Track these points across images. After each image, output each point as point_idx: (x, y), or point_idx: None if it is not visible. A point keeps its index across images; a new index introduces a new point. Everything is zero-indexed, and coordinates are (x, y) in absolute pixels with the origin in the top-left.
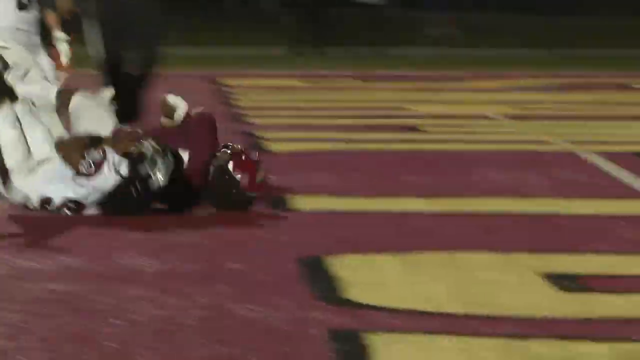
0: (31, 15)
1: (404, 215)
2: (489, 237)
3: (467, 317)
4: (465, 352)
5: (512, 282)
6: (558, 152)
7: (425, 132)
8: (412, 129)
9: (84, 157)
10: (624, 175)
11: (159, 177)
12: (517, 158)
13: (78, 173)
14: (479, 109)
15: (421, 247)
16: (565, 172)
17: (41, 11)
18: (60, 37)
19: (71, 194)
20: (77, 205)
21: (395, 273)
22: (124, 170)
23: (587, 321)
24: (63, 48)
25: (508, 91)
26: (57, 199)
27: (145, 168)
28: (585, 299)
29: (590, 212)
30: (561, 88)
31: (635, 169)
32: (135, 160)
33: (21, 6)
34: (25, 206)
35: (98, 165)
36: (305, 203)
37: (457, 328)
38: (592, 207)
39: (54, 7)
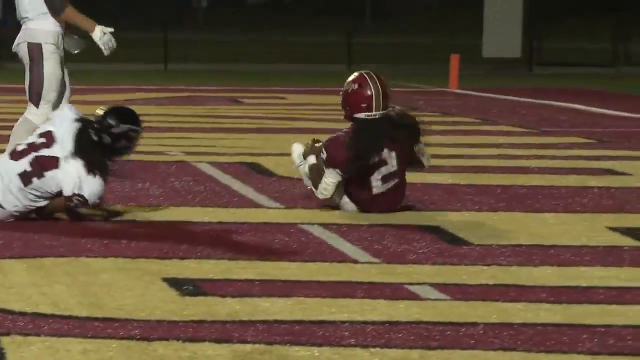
0: None
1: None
2: (111, 244)
3: (91, 319)
4: (91, 353)
5: (135, 286)
6: (173, 162)
7: None
8: None
9: None
10: (237, 184)
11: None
12: (134, 168)
13: None
14: None
15: (46, 253)
16: (181, 182)
17: None
18: None
19: None
20: None
21: (22, 277)
22: None
23: (207, 323)
24: None
25: (123, 104)
26: None
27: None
28: (203, 302)
29: (205, 220)
30: (173, 101)
31: (245, 178)
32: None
33: None
34: None
35: None
36: None
37: (82, 330)
38: (208, 215)
39: None
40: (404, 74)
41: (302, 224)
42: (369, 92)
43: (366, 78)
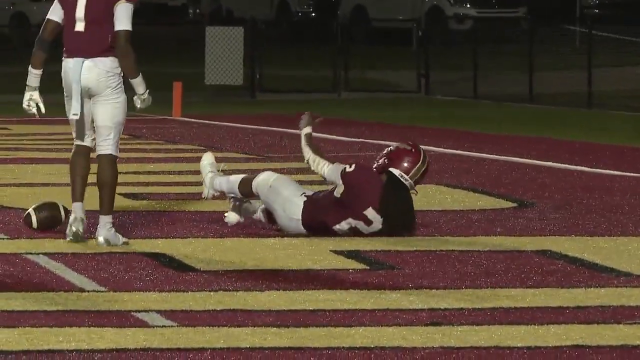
0: None
1: None
2: None
3: None
4: None
5: None
6: None
7: None
8: None
9: None
10: None
11: None
12: None
13: None
14: None
15: None
16: None
17: None
18: None
19: None
20: None
21: None
22: None
23: None
24: None
25: None
26: None
27: None
28: None
29: None
30: None
31: None
32: None
33: None
34: None
35: None
36: None
37: None
38: None
39: None
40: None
41: (27, 254)
42: (419, 158)
43: (421, 150)
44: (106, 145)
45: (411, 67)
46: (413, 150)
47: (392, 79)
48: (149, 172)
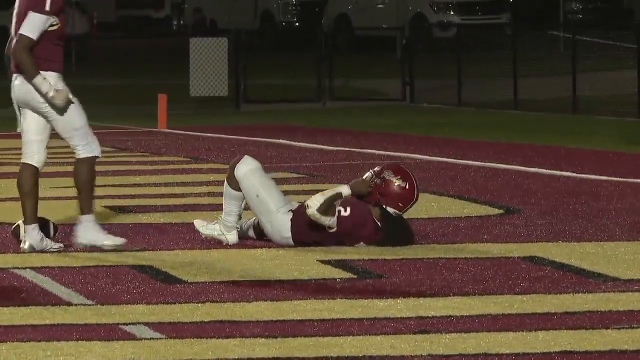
0: None
1: None
2: None
3: None
4: None
5: None
6: None
7: None
8: None
9: None
10: None
11: None
12: None
13: None
14: None
15: None
16: None
17: None
18: None
19: None
20: None
21: None
22: None
23: None
24: None
25: None
26: None
27: None
28: None
29: None
30: None
31: None
32: None
33: None
34: None
35: None
36: None
37: None
38: None
39: None
40: (111, 116)
41: (14, 268)
42: (412, 197)
43: (414, 183)
44: (77, 151)
45: (395, 75)
46: (407, 187)
47: (377, 87)
48: (134, 185)
